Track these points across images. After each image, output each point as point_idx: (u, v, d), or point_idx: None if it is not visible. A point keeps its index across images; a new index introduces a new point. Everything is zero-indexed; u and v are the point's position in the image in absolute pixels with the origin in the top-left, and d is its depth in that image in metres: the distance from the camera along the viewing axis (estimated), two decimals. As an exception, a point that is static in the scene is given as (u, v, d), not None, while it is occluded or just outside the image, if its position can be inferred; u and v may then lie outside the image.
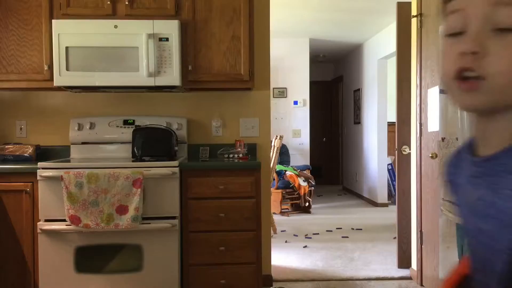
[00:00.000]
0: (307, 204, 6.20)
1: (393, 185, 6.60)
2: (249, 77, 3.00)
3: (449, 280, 0.94)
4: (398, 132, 3.62)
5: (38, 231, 2.65)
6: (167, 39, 2.86)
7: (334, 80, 9.32)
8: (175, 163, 2.73)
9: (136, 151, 2.94)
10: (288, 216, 6.04)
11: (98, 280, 2.68)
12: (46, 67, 2.93)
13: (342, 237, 4.79)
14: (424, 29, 3.13)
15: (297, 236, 4.85)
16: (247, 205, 2.79)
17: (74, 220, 2.58)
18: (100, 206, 2.59)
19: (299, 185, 6.05)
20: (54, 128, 3.28)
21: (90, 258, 2.69)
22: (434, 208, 2.96)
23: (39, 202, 2.66)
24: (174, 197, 2.70)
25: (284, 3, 5.09)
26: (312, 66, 7.73)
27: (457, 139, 2.52)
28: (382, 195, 6.80)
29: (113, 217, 2.59)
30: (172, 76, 2.88)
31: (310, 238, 4.75)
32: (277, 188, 5.96)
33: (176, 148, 3.03)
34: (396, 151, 3.62)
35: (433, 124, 2.96)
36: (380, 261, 3.88)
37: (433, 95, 2.94)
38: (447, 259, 2.68)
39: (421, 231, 3.20)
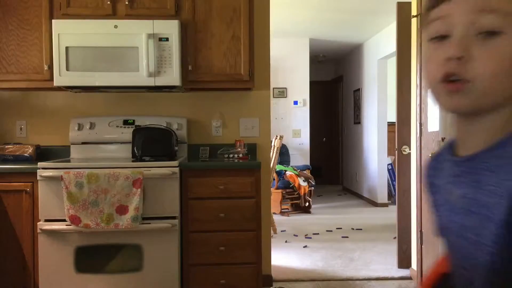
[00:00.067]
0: (307, 204, 6.20)
1: (393, 185, 6.60)
2: (249, 77, 3.00)
3: (427, 279, 0.96)
4: (398, 132, 3.62)
5: (38, 231, 2.65)
6: (167, 39, 2.87)
7: (334, 80, 9.32)
8: (175, 163, 2.73)
9: (136, 151, 2.93)
10: (288, 216, 6.04)
11: (98, 280, 2.68)
12: (46, 67, 2.93)
13: (342, 237, 4.79)
14: (424, 29, 3.13)
15: (297, 236, 4.85)
16: (247, 205, 2.79)
17: (74, 220, 2.59)
18: (100, 206, 2.59)
19: (299, 185, 6.05)
20: (54, 128, 3.28)
21: (90, 258, 2.69)
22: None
23: (39, 202, 2.66)
24: (174, 197, 2.70)
25: (284, 3, 5.09)
26: (312, 66, 7.73)
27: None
28: (382, 195, 6.80)
29: (113, 217, 2.59)
30: (172, 76, 2.88)
31: (310, 238, 4.75)
32: (277, 188, 5.96)
33: (176, 148, 3.03)
34: (396, 151, 3.62)
35: (433, 124, 2.97)
36: (380, 261, 3.88)
37: (433, 95, 2.94)
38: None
39: (421, 231, 3.20)
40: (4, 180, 2.72)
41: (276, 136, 5.13)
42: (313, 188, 6.42)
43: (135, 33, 2.85)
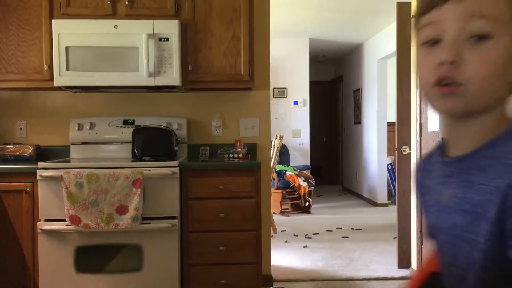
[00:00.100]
0: (307, 204, 6.20)
1: (393, 185, 6.60)
2: (249, 77, 3.00)
3: (415, 279, 0.98)
4: (398, 132, 3.62)
5: (38, 231, 2.65)
6: (167, 39, 2.87)
7: (334, 80, 9.32)
8: (175, 163, 2.73)
9: (136, 151, 2.93)
10: (288, 216, 6.04)
11: (98, 280, 2.68)
12: (46, 67, 2.93)
13: (342, 237, 4.79)
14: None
15: (297, 236, 4.85)
16: (247, 205, 2.79)
17: (74, 220, 2.59)
18: (100, 206, 2.59)
19: (299, 185, 6.05)
20: (54, 128, 3.28)
21: (90, 258, 2.69)
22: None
23: (39, 202, 2.66)
24: (174, 197, 2.70)
25: (284, 3, 5.09)
26: (312, 66, 7.73)
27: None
28: (382, 195, 6.80)
29: (113, 217, 2.59)
30: (172, 76, 2.88)
31: (310, 238, 4.75)
32: (277, 188, 5.96)
33: (176, 148, 3.03)
34: (396, 151, 3.62)
35: (433, 124, 2.97)
36: (380, 261, 3.88)
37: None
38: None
39: (421, 231, 3.20)
40: (4, 180, 2.72)
41: (276, 136, 5.13)
42: (313, 188, 6.42)
43: (135, 33, 2.85)
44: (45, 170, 2.65)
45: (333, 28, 6.55)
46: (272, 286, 3.27)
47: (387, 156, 6.88)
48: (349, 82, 8.36)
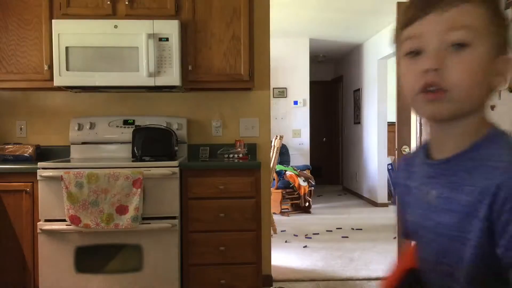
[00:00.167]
0: (307, 204, 6.20)
1: (393, 185, 6.60)
2: (249, 77, 3.01)
3: (391, 277, 0.99)
4: (398, 132, 3.61)
5: (38, 231, 2.66)
6: (167, 39, 2.87)
7: (334, 80, 9.32)
8: (175, 163, 2.73)
9: (136, 151, 2.94)
10: (288, 216, 6.04)
11: (98, 280, 2.68)
12: (46, 67, 2.93)
13: (342, 237, 4.79)
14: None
15: (297, 236, 4.85)
16: (247, 205, 2.80)
17: (74, 220, 2.59)
18: (100, 206, 2.59)
19: (299, 185, 6.05)
20: (54, 128, 3.28)
21: (90, 258, 2.69)
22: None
23: (39, 202, 2.66)
24: (174, 197, 2.70)
25: (284, 3, 5.09)
26: (312, 66, 7.73)
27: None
28: (382, 195, 6.80)
29: (113, 217, 2.59)
30: (172, 76, 2.88)
31: (310, 238, 4.75)
32: (277, 188, 5.96)
33: (176, 148, 3.03)
34: (396, 151, 3.62)
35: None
36: (380, 261, 3.88)
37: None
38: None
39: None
40: (4, 180, 2.72)
41: (276, 136, 5.13)
42: (313, 188, 6.42)
43: (135, 33, 2.85)
44: (45, 170, 2.65)
45: (333, 28, 6.55)
46: (272, 286, 3.27)
47: (387, 156, 6.88)
48: (349, 82, 8.36)
